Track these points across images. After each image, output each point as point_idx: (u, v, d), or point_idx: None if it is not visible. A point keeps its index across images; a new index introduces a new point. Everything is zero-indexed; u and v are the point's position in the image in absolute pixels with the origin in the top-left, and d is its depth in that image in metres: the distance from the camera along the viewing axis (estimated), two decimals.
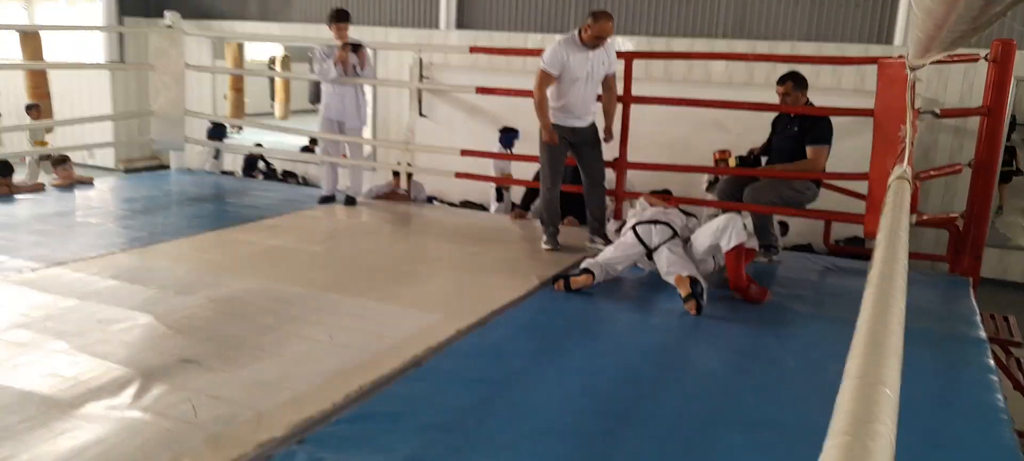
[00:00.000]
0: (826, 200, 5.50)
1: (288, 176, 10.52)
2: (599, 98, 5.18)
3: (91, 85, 12.37)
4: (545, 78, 4.87)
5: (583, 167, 5.18)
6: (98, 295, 3.83)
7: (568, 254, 4.98)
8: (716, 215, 5.19)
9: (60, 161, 6.70)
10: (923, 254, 6.07)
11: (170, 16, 7.24)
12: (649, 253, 4.36)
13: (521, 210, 6.59)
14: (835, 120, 5.08)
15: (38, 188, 6.37)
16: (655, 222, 4.39)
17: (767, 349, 3.64)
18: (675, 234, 4.34)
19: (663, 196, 5.28)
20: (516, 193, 7.37)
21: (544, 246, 5.14)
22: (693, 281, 4.01)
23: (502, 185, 7.43)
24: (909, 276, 1.48)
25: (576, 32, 4.89)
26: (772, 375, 3.32)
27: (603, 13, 4.84)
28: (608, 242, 5.02)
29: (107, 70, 12.31)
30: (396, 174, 7.06)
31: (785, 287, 4.65)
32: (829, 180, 5.37)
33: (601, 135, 5.15)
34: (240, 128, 13.64)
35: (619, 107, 5.52)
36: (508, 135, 7.58)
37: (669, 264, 4.22)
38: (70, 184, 6.57)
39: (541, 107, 4.91)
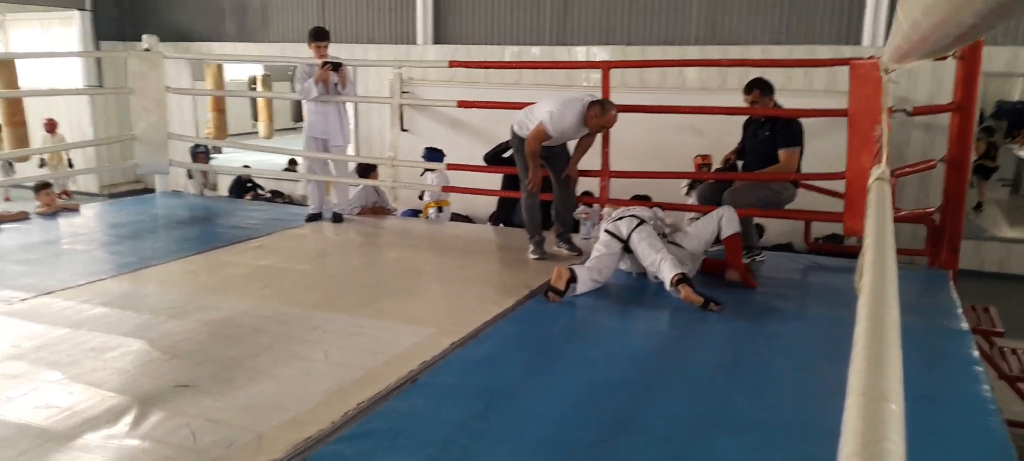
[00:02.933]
0: (805, 200, 5.60)
1: (276, 195, 10.55)
2: None
3: (70, 111, 12.31)
4: (543, 137, 4.96)
5: (554, 174, 5.27)
6: (90, 323, 3.83)
7: (556, 263, 5.02)
8: (697, 219, 5.30)
9: (41, 187, 6.66)
10: (902, 250, 6.17)
11: (148, 40, 7.24)
12: (626, 247, 4.46)
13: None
14: (809, 120, 5.19)
15: (22, 216, 6.33)
16: (621, 217, 4.57)
17: (756, 350, 3.71)
18: (642, 221, 4.49)
19: (642, 201, 5.37)
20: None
21: (531, 256, 5.18)
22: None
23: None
24: None
25: (584, 105, 4.94)
26: (762, 376, 3.38)
27: (610, 105, 4.96)
28: (574, 247, 5.22)
29: (87, 95, 12.25)
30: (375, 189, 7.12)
31: (770, 287, 4.74)
32: (807, 180, 5.48)
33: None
34: (219, 150, 13.62)
35: None
36: (433, 154, 7.70)
37: (649, 250, 4.37)
38: (55, 211, 6.54)
39: (534, 159, 5.01)
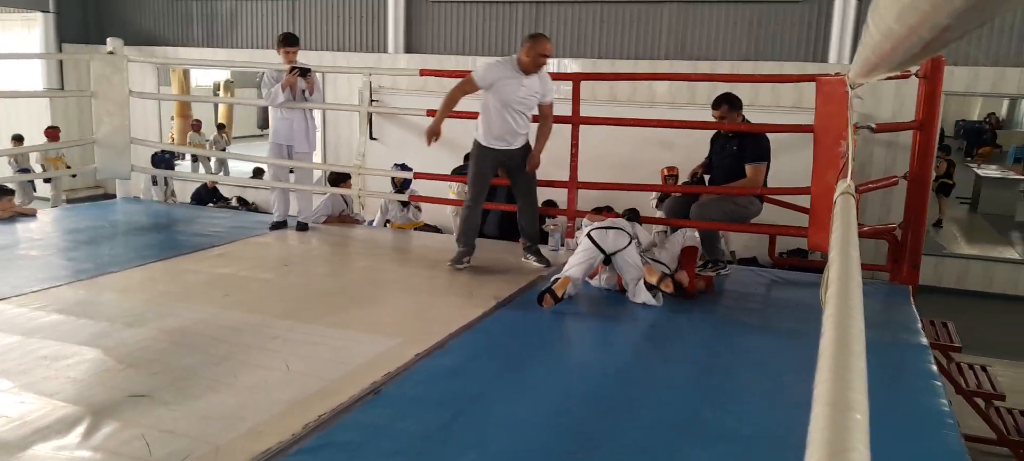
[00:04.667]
0: (770, 214, 5.66)
1: (242, 203, 10.41)
2: (535, 119, 5.15)
3: (30, 114, 12.04)
4: (468, 85, 4.91)
5: (515, 186, 5.20)
6: (42, 330, 3.71)
7: (494, 275, 4.97)
8: (665, 232, 5.33)
9: (3, 192, 6.49)
10: (864, 265, 6.26)
11: (112, 42, 7.09)
12: (607, 258, 4.43)
13: None
14: (775, 136, 5.25)
15: None
16: (609, 228, 4.52)
17: (722, 362, 3.73)
18: (631, 238, 4.46)
19: (605, 213, 5.38)
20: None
21: (450, 262, 5.10)
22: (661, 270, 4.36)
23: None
24: None
25: (514, 57, 4.91)
26: (729, 388, 3.39)
27: (540, 34, 4.87)
28: (542, 259, 5.15)
29: (46, 97, 11.98)
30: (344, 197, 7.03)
31: (735, 300, 4.77)
32: (772, 195, 5.54)
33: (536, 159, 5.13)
34: (182, 156, 13.45)
35: (568, 128, 5.60)
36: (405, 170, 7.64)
37: (633, 268, 4.38)
38: (11, 216, 6.36)
39: (446, 103, 4.97)
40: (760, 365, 3.68)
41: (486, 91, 4.91)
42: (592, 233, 4.52)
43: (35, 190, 11.37)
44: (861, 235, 5.28)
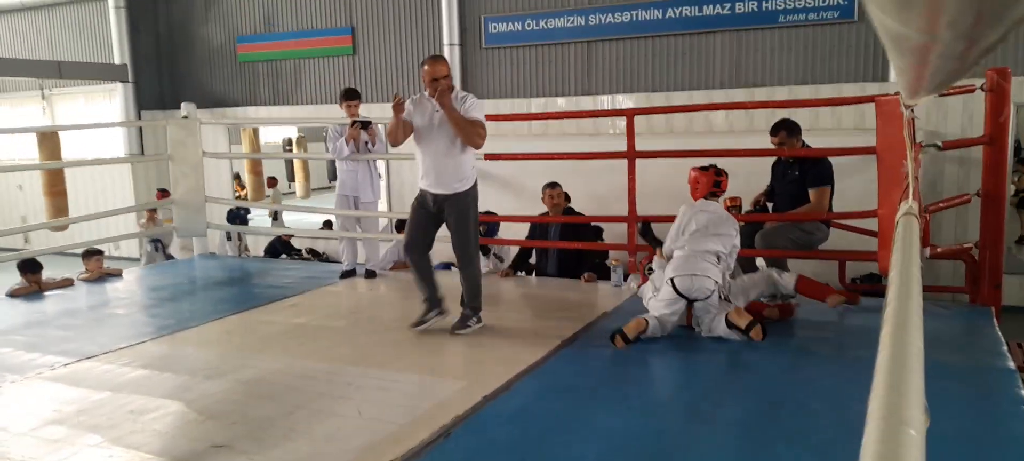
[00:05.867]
0: (839, 239, 5.53)
1: (314, 254, 10.71)
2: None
3: (113, 180, 12.73)
4: (391, 128, 4.60)
5: (451, 242, 4.73)
6: (129, 386, 3.90)
7: (557, 314, 4.94)
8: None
9: (91, 254, 6.87)
10: (942, 287, 6.05)
11: (186, 107, 7.50)
12: (689, 303, 4.39)
13: (509, 270, 6.57)
14: (839, 159, 5.15)
15: (67, 283, 6.52)
16: (693, 275, 4.33)
17: (794, 395, 3.64)
18: (715, 284, 4.33)
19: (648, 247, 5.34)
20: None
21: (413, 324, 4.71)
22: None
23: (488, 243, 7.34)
24: (928, 310, 1.51)
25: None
26: (801, 422, 3.32)
27: (432, 56, 4.55)
28: (480, 322, 4.73)
29: (127, 163, 12.64)
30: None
31: (807, 329, 4.67)
32: (839, 219, 5.42)
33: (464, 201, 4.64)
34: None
35: (623, 163, 5.61)
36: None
37: (714, 309, 4.33)
38: (99, 276, 6.72)
39: (394, 129, 4.60)
40: (832, 396, 3.58)
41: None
42: (675, 280, 4.34)
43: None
44: (935, 256, 5.15)
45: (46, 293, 6.26)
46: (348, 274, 6.50)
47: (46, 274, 6.51)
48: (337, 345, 4.60)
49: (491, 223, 6.88)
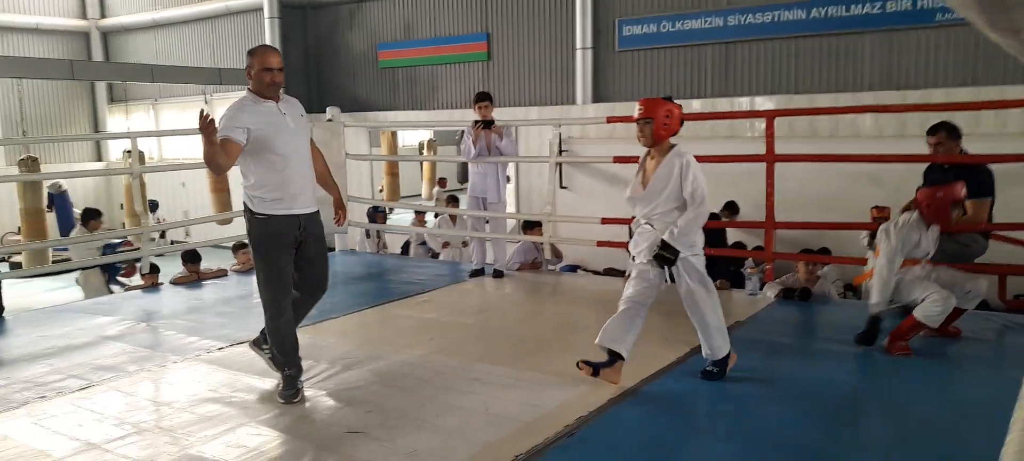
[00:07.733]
0: (998, 253, 5.10)
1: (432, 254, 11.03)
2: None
3: None
4: (230, 149, 3.53)
5: (306, 270, 3.89)
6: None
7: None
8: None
9: (241, 246, 7.41)
10: None
11: (331, 111, 7.94)
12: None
13: None
14: (1001, 167, 4.74)
15: (221, 274, 7.05)
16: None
17: (945, 417, 3.40)
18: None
19: (819, 256, 5.09)
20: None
21: (280, 397, 3.68)
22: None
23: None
24: None
25: (247, 90, 3.75)
26: (952, 447, 3.09)
27: (259, 46, 3.80)
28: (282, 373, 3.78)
29: None
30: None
31: (963, 348, 4.33)
32: (999, 230, 4.99)
33: (332, 217, 4.17)
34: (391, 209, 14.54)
35: (760, 167, 5.42)
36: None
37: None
38: (248, 269, 7.23)
39: (211, 149, 3.46)
40: (988, 422, 3.30)
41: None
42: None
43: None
44: None
45: (204, 282, 6.81)
46: (477, 273, 6.65)
47: (203, 265, 7.07)
48: (466, 341, 4.72)
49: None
